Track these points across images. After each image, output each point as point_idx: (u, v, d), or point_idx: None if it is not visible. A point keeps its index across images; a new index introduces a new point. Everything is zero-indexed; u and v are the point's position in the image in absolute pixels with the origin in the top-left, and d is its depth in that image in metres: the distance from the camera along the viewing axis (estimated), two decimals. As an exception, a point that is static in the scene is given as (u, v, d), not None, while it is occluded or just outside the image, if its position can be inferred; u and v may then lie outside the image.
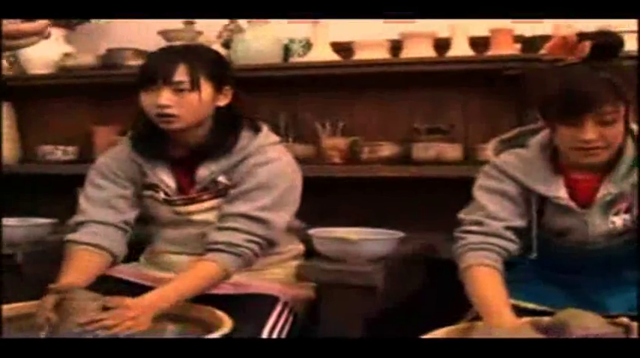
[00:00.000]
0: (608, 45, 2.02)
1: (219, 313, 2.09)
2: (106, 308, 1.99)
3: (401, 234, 2.53)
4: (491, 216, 2.12)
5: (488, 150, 2.26)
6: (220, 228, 2.24)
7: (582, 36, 2.03)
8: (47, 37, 1.74)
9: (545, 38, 2.93)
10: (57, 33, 3.63)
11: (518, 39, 3.09)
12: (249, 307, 2.25)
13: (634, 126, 2.12)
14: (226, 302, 2.19)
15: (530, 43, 3.06)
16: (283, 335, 2.28)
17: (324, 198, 3.15)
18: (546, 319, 1.91)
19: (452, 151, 3.02)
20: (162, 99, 2.19)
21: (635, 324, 1.82)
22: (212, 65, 2.30)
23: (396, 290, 2.53)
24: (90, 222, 2.31)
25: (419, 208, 3.16)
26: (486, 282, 2.03)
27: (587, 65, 1.99)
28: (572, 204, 2.08)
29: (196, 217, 2.34)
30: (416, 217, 3.06)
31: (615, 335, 1.81)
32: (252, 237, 2.22)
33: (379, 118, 3.38)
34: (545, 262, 2.21)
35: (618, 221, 2.10)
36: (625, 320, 1.86)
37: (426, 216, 3.05)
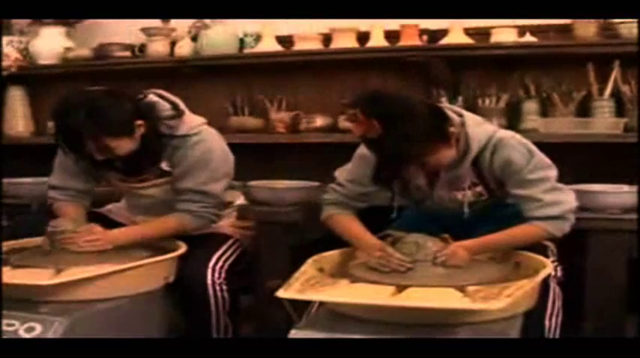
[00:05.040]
0: (394, 114, 2.10)
1: (177, 241, 2.64)
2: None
3: (315, 184, 3.00)
4: (353, 181, 2.46)
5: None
6: (178, 201, 2.64)
7: (366, 109, 2.09)
8: None
9: (443, 31, 3.55)
10: (60, 31, 4.13)
11: (424, 32, 3.58)
12: (205, 240, 2.72)
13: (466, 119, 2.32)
14: (189, 237, 2.68)
15: (433, 35, 3.62)
16: (229, 262, 2.69)
17: (272, 159, 3.69)
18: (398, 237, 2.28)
19: (368, 122, 3.56)
20: (97, 156, 2.46)
21: (453, 243, 2.20)
22: (112, 125, 2.42)
23: (315, 227, 2.79)
24: (68, 188, 2.74)
25: (341, 166, 3.53)
26: (348, 225, 2.45)
27: (382, 141, 2.10)
28: (423, 182, 2.42)
29: (145, 191, 2.74)
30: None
31: (437, 245, 2.20)
32: (202, 204, 2.63)
33: (315, 96, 3.82)
34: (413, 218, 2.58)
35: (460, 196, 2.40)
36: (446, 236, 2.25)
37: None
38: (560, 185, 2.31)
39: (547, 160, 2.32)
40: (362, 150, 2.43)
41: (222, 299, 2.64)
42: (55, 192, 2.78)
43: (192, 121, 2.68)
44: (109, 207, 2.96)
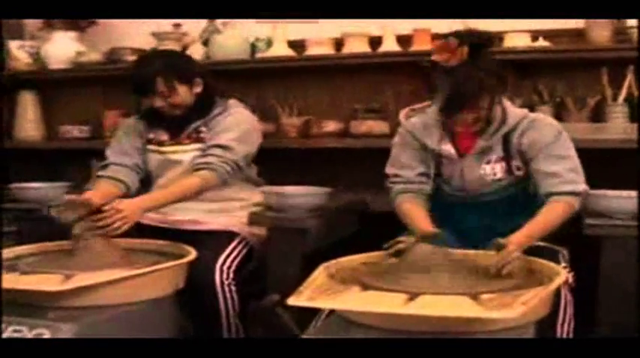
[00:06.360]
0: (481, 45, 2.33)
1: (187, 247, 2.57)
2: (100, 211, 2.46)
3: (327, 190, 2.97)
4: (404, 167, 2.55)
5: (401, 115, 2.72)
6: (201, 156, 2.80)
7: (460, 38, 2.29)
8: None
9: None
10: (71, 35, 4.14)
11: (436, 36, 3.41)
12: (213, 238, 2.74)
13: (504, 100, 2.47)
14: (197, 235, 2.73)
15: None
16: (236, 262, 2.72)
17: (283, 164, 3.61)
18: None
19: (379, 127, 3.53)
20: (157, 104, 2.82)
21: (509, 245, 2.13)
22: (181, 70, 2.84)
23: (330, 233, 2.93)
24: (111, 164, 2.89)
25: (354, 171, 3.57)
26: (411, 212, 2.47)
27: (467, 67, 2.28)
28: (453, 152, 2.47)
29: (175, 156, 2.88)
30: (352, 178, 3.53)
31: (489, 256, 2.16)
32: (223, 158, 2.76)
33: (326, 101, 3.84)
34: (443, 215, 2.53)
35: (488, 169, 2.46)
36: (500, 240, 2.16)
37: (359, 177, 3.48)
38: (578, 167, 2.42)
39: (571, 143, 2.44)
40: (396, 139, 2.61)
41: (231, 300, 2.65)
42: (100, 172, 2.92)
43: (236, 102, 3.01)
44: None
